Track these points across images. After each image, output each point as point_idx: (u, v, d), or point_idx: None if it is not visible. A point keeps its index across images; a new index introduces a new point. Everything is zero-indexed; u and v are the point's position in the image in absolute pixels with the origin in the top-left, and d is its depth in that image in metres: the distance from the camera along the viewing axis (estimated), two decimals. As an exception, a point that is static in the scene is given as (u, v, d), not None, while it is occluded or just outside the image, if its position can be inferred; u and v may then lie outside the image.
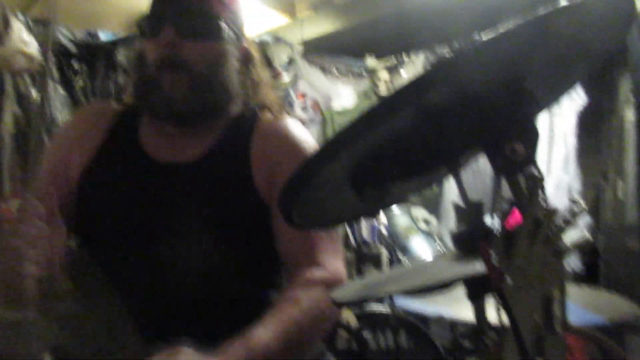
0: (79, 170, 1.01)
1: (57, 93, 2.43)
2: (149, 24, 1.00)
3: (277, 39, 3.18)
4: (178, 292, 0.94)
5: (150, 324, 0.90)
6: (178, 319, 0.94)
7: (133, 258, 0.96)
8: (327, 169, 0.58)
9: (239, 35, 1.05)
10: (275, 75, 3.08)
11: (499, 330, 0.58)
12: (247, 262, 1.01)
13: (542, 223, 0.57)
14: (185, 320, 0.94)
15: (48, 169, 1.06)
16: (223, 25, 1.00)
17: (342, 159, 0.58)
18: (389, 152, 0.62)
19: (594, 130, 2.68)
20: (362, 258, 2.39)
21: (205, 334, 0.83)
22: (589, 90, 2.62)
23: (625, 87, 2.52)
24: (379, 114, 0.52)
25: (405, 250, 2.49)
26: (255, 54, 1.10)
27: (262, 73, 1.11)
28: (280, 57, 3.15)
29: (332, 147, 0.56)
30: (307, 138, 1.07)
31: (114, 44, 2.62)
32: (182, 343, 0.79)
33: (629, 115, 2.50)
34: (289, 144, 1.04)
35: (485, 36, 0.48)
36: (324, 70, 3.39)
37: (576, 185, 2.70)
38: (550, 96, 0.70)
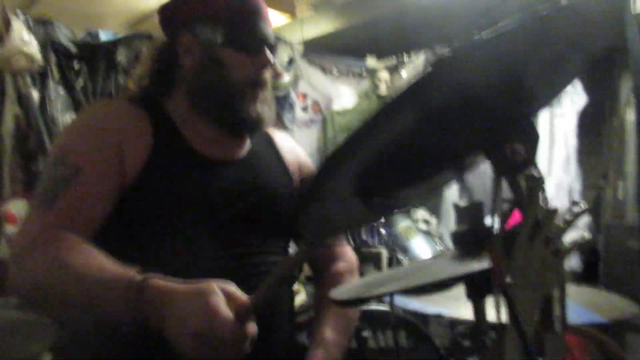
0: (134, 169, 0.96)
1: (57, 93, 2.43)
2: (244, 38, 1.02)
3: (278, 39, 3.17)
4: (239, 283, 0.93)
5: None
6: None
7: (198, 255, 0.96)
8: (333, 181, 0.59)
9: None
10: (276, 75, 3.08)
11: (499, 329, 0.58)
12: (284, 253, 1.11)
13: (542, 223, 0.57)
14: None
15: (100, 168, 0.96)
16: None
17: (347, 169, 0.58)
18: (393, 157, 0.62)
19: (595, 131, 2.68)
20: (362, 258, 2.39)
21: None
22: (589, 91, 2.62)
23: (625, 88, 2.53)
24: (380, 116, 0.52)
25: (405, 250, 2.49)
26: None
27: None
28: (280, 57, 3.15)
29: (337, 160, 0.56)
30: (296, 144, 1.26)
31: (114, 44, 2.62)
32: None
33: (630, 116, 2.50)
34: (297, 150, 1.21)
35: (485, 36, 0.48)
36: (324, 70, 3.39)
37: (577, 185, 2.70)
38: (549, 94, 0.70)
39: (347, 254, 1.20)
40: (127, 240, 0.97)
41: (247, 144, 1.11)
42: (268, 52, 1.03)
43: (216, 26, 1.01)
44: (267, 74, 1.05)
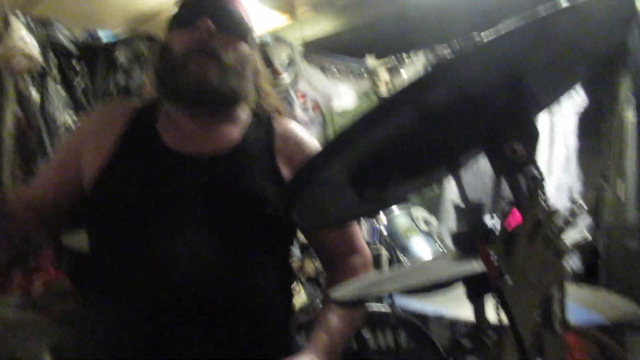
0: (94, 165, 1.02)
1: (57, 93, 2.43)
2: (183, 15, 1.06)
3: (277, 39, 3.18)
4: (203, 285, 0.95)
5: (167, 317, 0.92)
6: (199, 310, 0.95)
7: (157, 250, 0.95)
8: (328, 169, 0.58)
9: (255, 47, 1.14)
10: (276, 75, 3.08)
11: (499, 329, 0.58)
12: (272, 255, 1.06)
13: (542, 223, 0.57)
14: (206, 312, 0.95)
15: (57, 161, 1.11)
16: (250, 29, 1.09)
17: (342, 159, 0.58)
18: (389, 153, 0.62)
19: (595, 130, 2.68)
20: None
21: (223, 326, 0.92)
22: (589, 91, 2.62)
23: (625, 88, 2.52)
24: (379, 114, 0.52)
25: (405, 250, 2.48)
26: (262, 68, 1.17)
27: (268, 83, 1.19)
28: (280, 57, 3.15)
29: (332, 148, 0.56)
30: (313, 139, 1.19)
31: (114, 44, 2.62)
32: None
33: (630, 115, 2.49)
34: (305, 142, 1.15)
35: (485, 36, 0.48)
36: (324, 70, 3.39)
37: (577, 185, 2.70)
38: (550, 96, 0.70)
39: (364, 249, 1.20)
40: (97, 231, 1.04)
41: (234, 140, 1.08)
42: (206, 20, 1.02)
43: (172, 17, 1.08)
44: (217, 43, 1.02)
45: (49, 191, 1.05)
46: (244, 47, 1.08)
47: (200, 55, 1.01)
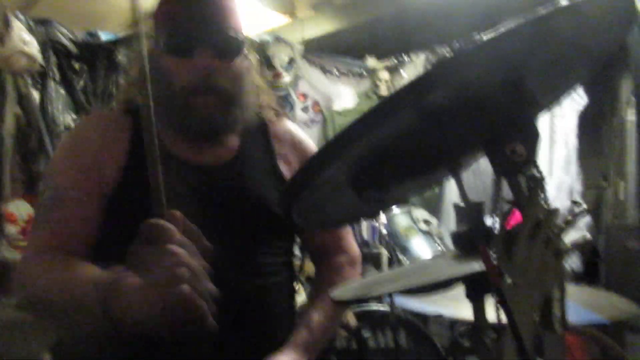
0: (106, 179, 0.98)
1: (57, 93, 2.43)
2: (179, 42, 0.97)
3: (278, 39, 3.18)
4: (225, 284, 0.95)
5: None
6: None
7: None
8: (328, 170, 0.58)
9: (249, 46, 1.06)
10: (276, 75, 3.08)
11: (499, 329, 0.58)
12: (278, 255, 1.07)
13: (542, 223, 0.57)
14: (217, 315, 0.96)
15: (79, 178, 0.99)
16: (244, 40, 1.01)
17: (342, 159, 0.58)
18: (389, 153, 0.62)
19: (595, 131, 2.69)
20: (362, 258, 2.39)
21: (239, 332, 0.93)
22: (590, 91, 2.62)
23: (626, 88, 2.53)
24: (379, 114, 0.52)
25: (405, 250, 2.48)
26: (254, 58, 1.10)
27: (260, 76, 1.13)
28: (280, 57, 3.15)
29: (332, 148, 0.56)
30: (307, 137, 1.19)
31: (114, 44, 2.62)
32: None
33: (630, 116, 2.50)
34: (302, 142, 1.16)
35: (485, 36, 0.48)
36: (324, 70, 3.39)
37: (577, 186, 2.70)
38: (551, 96, 0.70)
39: (352, 248, 1.20)
40: (114, 247, 0.99)
41: (234, 147, 1.08)
42: (204, 52, 0.95)
43: (158, 31, 0.99)
44: (217, 74, 0.96)
45: (93, 220, 0.98)
46: (242, 63, 1.02)
47: (203, 93, 0.97)
